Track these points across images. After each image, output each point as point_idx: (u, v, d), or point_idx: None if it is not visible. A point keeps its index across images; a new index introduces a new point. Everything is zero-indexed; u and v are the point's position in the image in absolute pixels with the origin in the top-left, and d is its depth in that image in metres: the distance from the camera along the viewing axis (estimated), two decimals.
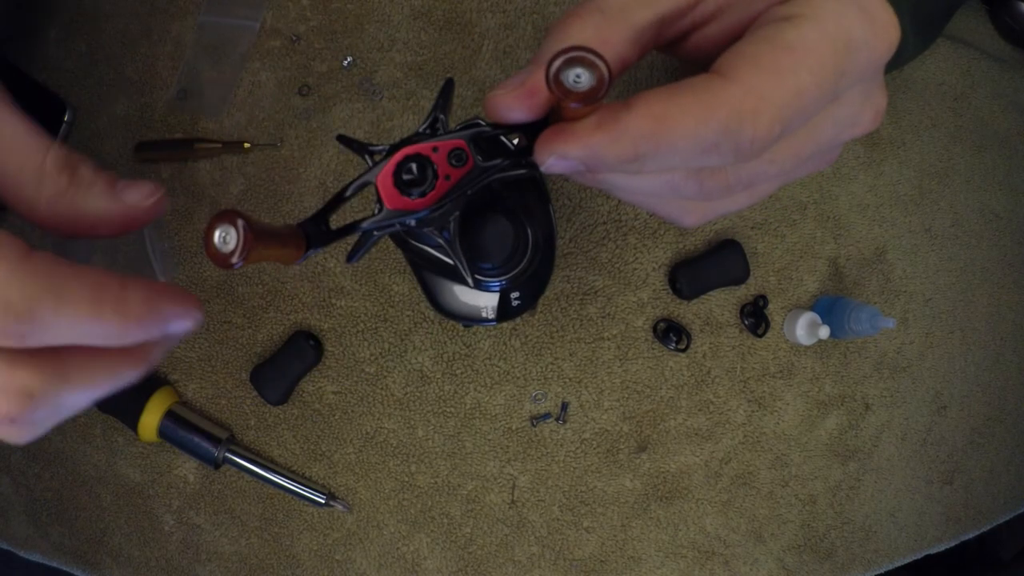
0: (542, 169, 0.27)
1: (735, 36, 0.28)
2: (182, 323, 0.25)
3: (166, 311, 0.24)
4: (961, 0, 0.46)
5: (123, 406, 0.51)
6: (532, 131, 0.28)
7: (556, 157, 0.25)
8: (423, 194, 0.29)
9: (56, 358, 0.24)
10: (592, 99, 0.23)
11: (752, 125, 0.24)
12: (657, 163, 0.25)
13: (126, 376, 0.26)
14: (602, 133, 0.24)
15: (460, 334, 0.53)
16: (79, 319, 0.23)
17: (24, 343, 0.23)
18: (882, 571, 0.58)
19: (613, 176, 0.27)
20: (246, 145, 0.52)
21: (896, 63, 0.44)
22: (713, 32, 0.29)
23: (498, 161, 0.29)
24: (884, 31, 0.26)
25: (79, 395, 0.25)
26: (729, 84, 0.24)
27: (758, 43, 0.25)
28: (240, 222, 0.25)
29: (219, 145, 0.52)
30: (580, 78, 0.23)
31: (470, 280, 0.33)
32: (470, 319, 0.42)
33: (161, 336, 0.25)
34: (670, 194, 0.28)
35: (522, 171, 0.28)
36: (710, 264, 0.53)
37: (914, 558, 0.59)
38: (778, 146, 0.26)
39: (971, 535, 0.60)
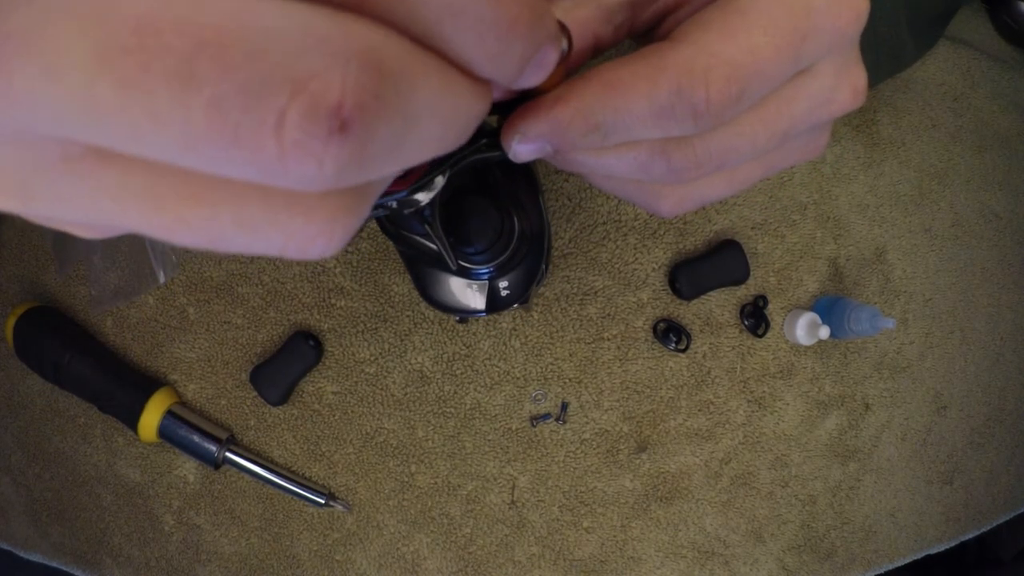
0: (510, 156, 0.27)
1: None
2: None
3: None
4: (958, 4, 0.46)
5: (123, 406, 0.51)
6: (508, 111, 0.28)
7: (519, 138, 0.26)
8: (403, 176, 0.29)
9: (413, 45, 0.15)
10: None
11: (704, 83, 0.24)
12: (618, 132, 0.25)
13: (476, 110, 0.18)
14: (560, 105, 0.25)
15: (460, 334, 0.53)
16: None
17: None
18: (882, 571, 0.58)
19: (583, 156, 0.27)
20: None
21: (896, 68, 0.44)
22: (685, 17, 0.29)
23: (475, 142, 0.29)
24: None
25: (429, 118, 0.16)
26: (679, 46, 0.24)
27: (710, 10, 0.26)
28: None
29: None
30: None
31: (452, 263, 0.33)
32: (460, 310, 0.42)
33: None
34: (641, 175, 0.28)
35: (500, 152, 0.29)
36: (710, 264, 0.53)
37: (914, 558, 0.59)
38: (746, 117, 0.26)
39: (971, 535, 0.60)
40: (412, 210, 0.31)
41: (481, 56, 0.16)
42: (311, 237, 0.15)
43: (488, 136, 0.29)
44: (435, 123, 0.16)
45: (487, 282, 0.41)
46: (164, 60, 0.12)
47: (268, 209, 0.15)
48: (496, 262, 0.39)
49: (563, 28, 0.23)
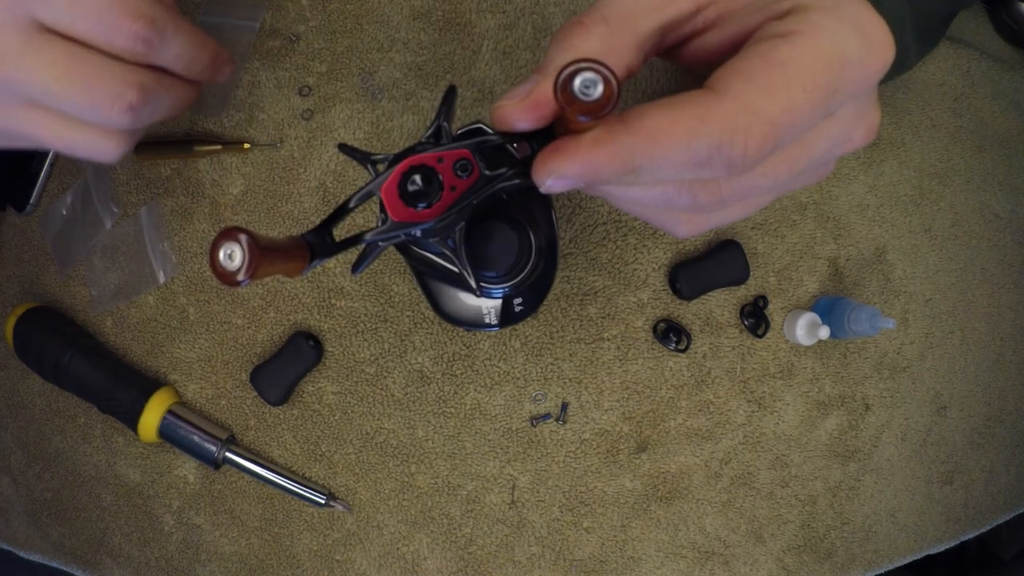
0: (542, 190, 0.27)
1: (733, 45, 0.28)
2: (224, 75, 0.42)
3: (225, 66, 0.41)
4: (960, 6, 0.46)
5: (123, 406, 0.51)
6: (537, 139, 0.28)
7: (554, 177, 0.26)
8: (429, 205, 0.28)
9: (159, 71, 0.36)
10: (600, 112, 0.23)
11: (744, 140, 0.24)
12: (651, 176, 0.25)
13: (187, 99, 0.39)
14: (599, 149, 0.25)
15: (460, 335, 0.53)
16: (186, 48, 0.36)
17: (147, 55, 0.34)
18: (882, 571, 0.58)
19: (609, 187, 0.28)
20: (246, 145, 0.52)
21: (898, 71, 0.45)
22: (712, 41, 0.29)
23: (504, 171, 0.29)
24: (879, 49, 0.26)
25: (165, 103, 0.37)
26: (722, 99, 0.24)
27: (752, 59, 0.25)
28: (244, 238, 0.25)
29: (219, 147, 0.52)
30: (588, 91, 0.23)
31: (476, 288, 0.33)
32: (473, 324, 0.42)
33: (209, 81, 0.41)
34: (664, 205, 0.28)
35: (527, 180, 0.28)
36: (710, 264, 0.53)
37: (914, 558, 0.59)
38: (771, 160, 0.26)
39: (971, 535, 0.60)
40: (436, 239, 0.31)
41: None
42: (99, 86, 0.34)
43: (513, 166, 0.29)
44: (168, 105, 0.37)
45: (501, 298, 0.41)
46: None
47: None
48: (513, 283, 0.39)
49: (613, 75, 0.23)
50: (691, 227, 0.30)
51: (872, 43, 0.26)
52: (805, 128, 0.25)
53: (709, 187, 0.27)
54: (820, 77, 0.25)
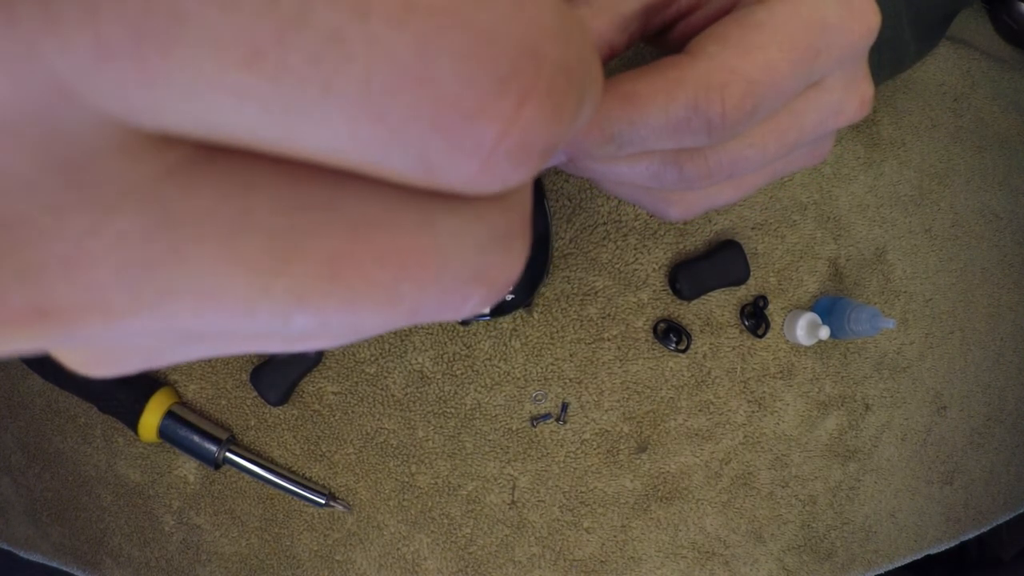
0: None
1: None
2: None
3: None
4: (960, 5, 0.46)
5: (123, 406, 0.51)
6: None
7: None
8: None
9: None
10: None
11: (721, 99, 0.24)
12: (632, 144, 0.25)
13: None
14: None
15: (460, 335, 0.53)
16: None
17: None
18: (882, 571, 0.58)
19: (595, 164, 0.28)
20: None
21: (897, 69, 0.44)
22: (697, 21, 0.30)
23: None
24: (861, 14, 0.26)
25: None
26: (697, 61, 0.24)
27: (728, 23, 0.26)
28: None
29: None
30: None
31: None
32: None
33: None
34: (652, 182, 0.28)
35: None
36: (710, 265, 0.53)
37: (914, 558, 0.59)
38: (758, 129, 0.26)
39: (971, 535, 0.60)
40: None
41: None
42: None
43: None
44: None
45: None
46: None
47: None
48: None
49: None
50: (683, 208, 0.30)
51: (853, 7, 0.26)
52: (787, 92, 0.25)
53: (695, 158, 0.27)
54: (798, 37, 0.25)
